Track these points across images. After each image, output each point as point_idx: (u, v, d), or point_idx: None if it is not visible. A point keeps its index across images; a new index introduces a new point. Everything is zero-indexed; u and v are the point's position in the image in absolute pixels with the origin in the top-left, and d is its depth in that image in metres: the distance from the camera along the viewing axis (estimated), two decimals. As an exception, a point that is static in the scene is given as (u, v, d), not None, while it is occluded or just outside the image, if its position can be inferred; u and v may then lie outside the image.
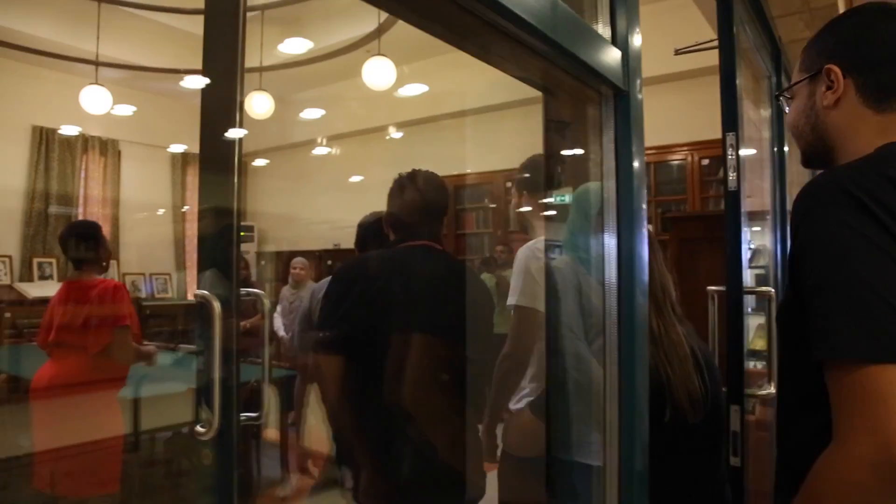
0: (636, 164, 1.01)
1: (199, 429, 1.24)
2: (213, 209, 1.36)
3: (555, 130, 1.24)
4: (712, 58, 2.13)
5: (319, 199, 7.03)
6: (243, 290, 1.41)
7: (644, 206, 1.05)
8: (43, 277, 6.89)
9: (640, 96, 1.05)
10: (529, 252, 1.97)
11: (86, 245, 2.86)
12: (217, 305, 1.21)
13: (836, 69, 1.01)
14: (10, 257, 6.78)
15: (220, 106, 1.28)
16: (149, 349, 3.17)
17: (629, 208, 1.02)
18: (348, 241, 2.52)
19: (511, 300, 1.90)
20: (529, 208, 2.22)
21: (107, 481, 2.83)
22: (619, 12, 1.03)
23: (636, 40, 1.06)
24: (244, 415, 1.44)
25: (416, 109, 6.38)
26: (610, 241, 1.08)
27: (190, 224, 8.29)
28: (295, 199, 7.64)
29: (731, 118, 1.84)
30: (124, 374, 2.95)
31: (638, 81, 1.05)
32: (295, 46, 5.61)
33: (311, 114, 6.99)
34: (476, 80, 6.13)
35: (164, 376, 4.13)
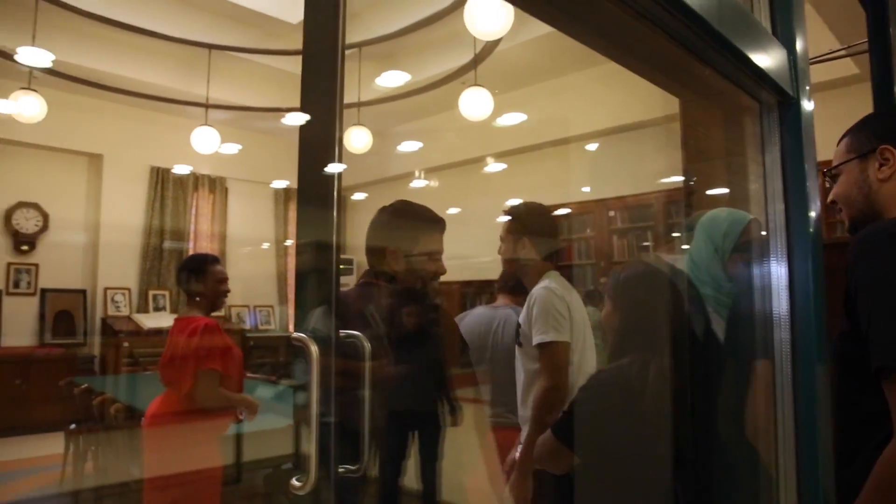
0: (810, 183, 0.83)
1: (294, 482, 1.14)
2: (310, 245, 1.28)
3: (695, 147, 1.08)
4: (834, 70, 1.88)
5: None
6: (342, 332, 1.31)
7: (820, 231, 0.87)
8: (157, 309, 7.25)
9: (810, 105, 0.87)
10: (547, 292, 2.11)
11: (193, 279, 2.76)
12: (315, 349, 1.12)
13: (892, 148, 1.24)
14: (129, 289, 7.18)
15: (318, 142, 1.23)
16: (247, 400, 2.89)
17: (803, 233, 0.84)
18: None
19: (544, 338, 2.05)
20: (525, 252, 2.29)
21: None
22: (781, 3, 0.86)
23: (803, 38, 0.88)
24: (343, 466, 1.33)
25: (514, 139, 6.28)
26: (777, 270, 0.91)
27: (292, 258, 8.52)
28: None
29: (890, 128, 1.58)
30: (220, 415, 2.80)
31: (807, 87, 0.87)
32: (392, 80, 5.67)
33: (409, 146, 7.04)
34: (577, 107, 5.97)
35: (266, 409, 4.16)
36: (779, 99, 0.86)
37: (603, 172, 5.93)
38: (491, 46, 4.61)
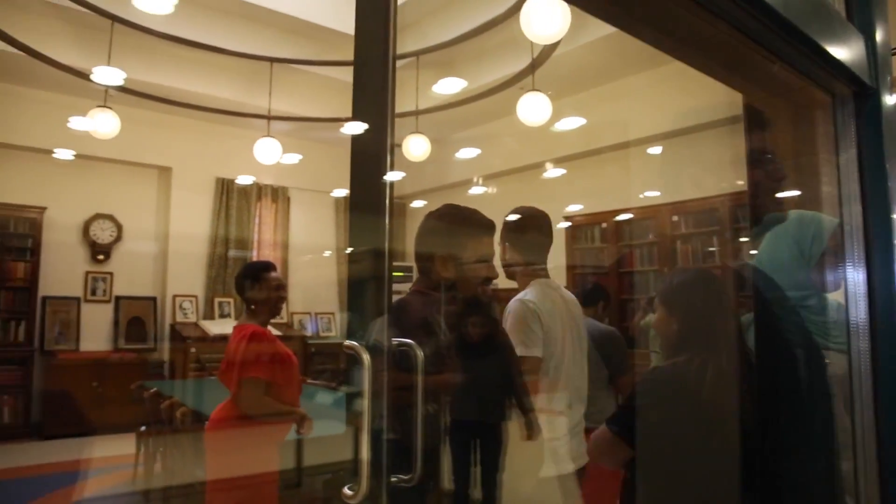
0: (892, 183, 0.76)
1: (346, 491, 1.13)
2: (363, 253, 1.27)
3: (760, 147, 1.01)
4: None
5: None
6: (395, 340, 1.29)
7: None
8: (222, 316, 7.46)
9: (892, 98, 0.80)
10: (519, 305, 2.11)
11: (250, 286, 2.78)
12: (367, 358, 1.11)
13: None
14: (195, 297, 7.41)
15: (370, 150, 1.22)
16: (299, 413, 2.81)
17: (884, 237, 0.77)
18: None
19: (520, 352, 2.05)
20: (513, 259, 2.30)
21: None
22: (858, -12, 0.79)
23: (883, 23, 0.81)
24: (395, 476, 1.31)
25: (573, 144, 6.20)
26: (855, 277, 0.84)
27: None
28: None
29: None
30: (277, 422, 2.78)
31: (888, 77, 0.80)
32: (449, 87, 5.67)
33: (467, 153, 7.03)
34: (637, 110, 5.83)
35: (326, 415, 4.20)
36: (854, 90, 0.79)
37: (665, 176, 5.77)
38: (548, 51, 4.55)
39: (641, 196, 5.91)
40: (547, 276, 2.30)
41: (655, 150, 5.78)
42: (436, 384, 1.82)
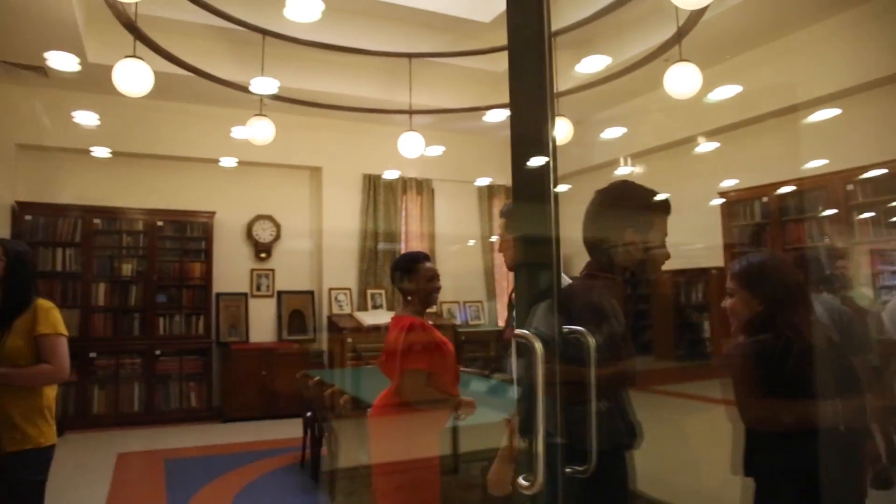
0: None
1: (521, 482, 1.11)
2: (528, 240, 1.23)
3: None
4: None
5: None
6: (566, 328, 1.25)
7: None
8: (375, 307, 7.77)
9: None
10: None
11: (405, 277, 2.82)
12: (539, 346, 1.07)
13: None
14: (349, 289, 7.78)
15: (530, 135, 1.18)
16: (463, 402, 2.84)
17: None
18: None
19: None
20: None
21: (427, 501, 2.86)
22: None
23: None
24: (570, 467, 1.27)
25: (727, 114, 5.77)
26: None
27: (498, 254, 8.64)
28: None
29: None
30: (437, 410, 2.82)
31: None
32: (592, 65, 5.48)
33: (612, 133, 6.78)
34: (803, 70, 5.32)
35: (480, 402, 4.23)
36: None
37: (837, 141, 5.21)
38: (696, 16, 4.24)
39: (812, 165, 5.38)
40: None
41: (825, 112, 5.23)
42: (614, 377, 1.73)
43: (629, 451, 1.85)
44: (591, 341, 1.26)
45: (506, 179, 8.50)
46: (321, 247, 7.73)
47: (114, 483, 4.79)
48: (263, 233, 7.71)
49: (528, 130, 1.16)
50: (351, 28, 5.99)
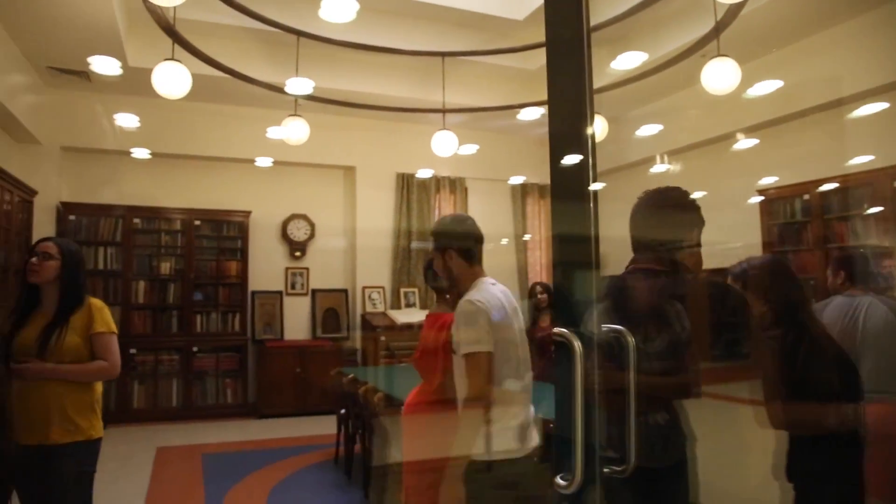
0: None
1: (559, 481, 1.11)
2: (567, 238, 1.21)
3: None
4: None
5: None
6: (605, 327, 1.24)
7: None
8: (408, 305, 7.80)
9: None
10: (467, 304, 2.23)
11: (436, 276, 2.80)
12: (578, 345, 1.06)
13: None
14: (382, 288, 7.82)
15: (569, 132, 1.17)
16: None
17: None
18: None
19: (467, 349, 2.17)
20: (455, 264, 2.40)
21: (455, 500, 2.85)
22: None
23: None
24: (608, 467, 1.26)
25: (767, 110, 5.64)
26: None
27: (531, 252, 8.61)
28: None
29: None
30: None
31: None
32: (628, 62, 5.40)
33: (647, 130, 6.68)
34: (847, 63, 5.18)
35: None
36: None
37: (886, 136, 5.05)
38: (735, 10, 4.16)
39: (858, 161, 5.23)
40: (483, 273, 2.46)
41: (872, 106, 5.07)
42: (677, 387, 1.77)
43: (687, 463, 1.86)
44: (631, 340, 1.25)
45: (539, 178, 8.45)
46: (355, 245, 7.79)
47: (154, 476, 4.89)
48: (298, 231, 7.79)
49: (567, 127, 1.15)
50: (384, 28, 6.02)
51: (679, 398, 1.84)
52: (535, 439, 2.34)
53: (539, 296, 5.24)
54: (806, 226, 5.66)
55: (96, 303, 2.64)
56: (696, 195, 2.17)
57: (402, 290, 7.87)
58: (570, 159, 1.12)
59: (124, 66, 5.74)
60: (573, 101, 1.10)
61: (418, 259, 7.89)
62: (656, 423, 1.77)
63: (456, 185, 8.22)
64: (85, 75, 6.14)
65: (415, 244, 7.90)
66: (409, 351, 6.46)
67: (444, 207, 8.17)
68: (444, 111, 5.42)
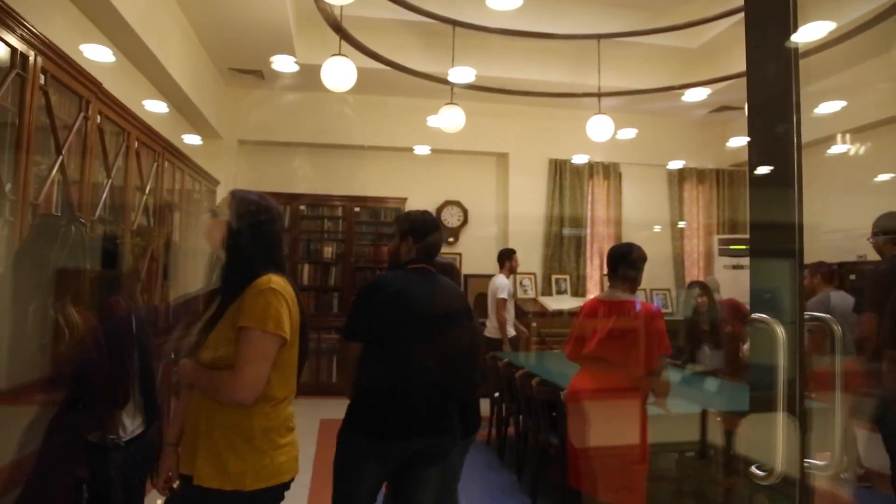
0: None
1: (755, 471, 1.08)
2: (768, 224, 1.17)
3: None
4: None
5: (834, 205, 6.07)
6: (807, 314, 1.18)
7: None
8: (559, 292, 7.74)
9: None
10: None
11: (619, 265, 2.98)
12: (780, 331, 1.02)
13: None
14: (534, 274, 7.82)
15: (773, 109, 1.12)
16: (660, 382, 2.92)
17: None
18: (871, 251, 2.05)
19: None
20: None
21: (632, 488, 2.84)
22: None
23: None
24: (809, 461, 1.20)
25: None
26: None
27: (688, 240, 8.23)
28: (806, 207, 6.73)
29: None
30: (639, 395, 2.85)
31: None
32: (812, 32, 4.95)
33: (827, 107, 6.10)
34: None
35: (674, 392, 4.07)
36: None
37: None
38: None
39: None
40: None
41: None
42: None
43: None
44: (837, 329, 1.18)
45: (698, 161, 8.03)
46: (507, 232, 7.85)
47: (318, 445, 5.26)
48: (451, 218, 7.98)
49: (770, 93, 1.10)
50: (538, 13, 5.98)
51: None
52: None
53: (699, 299, 5.03)
54: None
55: (261, 283, 1.79)
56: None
57: (554, 277, 7.82)
58: (773, 139, 1.07)
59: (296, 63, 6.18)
60: (777, 63, 1.05)
61: (570, 246, 7.81)
62: None
63: (610, 171, 8.02)
64: (259, 74, 6.68)
65: (567, 231, 7.81)
66: (559, 337, 6.43)
67: (598, 193, 8.00)
68: (599, 95, 5.31)
